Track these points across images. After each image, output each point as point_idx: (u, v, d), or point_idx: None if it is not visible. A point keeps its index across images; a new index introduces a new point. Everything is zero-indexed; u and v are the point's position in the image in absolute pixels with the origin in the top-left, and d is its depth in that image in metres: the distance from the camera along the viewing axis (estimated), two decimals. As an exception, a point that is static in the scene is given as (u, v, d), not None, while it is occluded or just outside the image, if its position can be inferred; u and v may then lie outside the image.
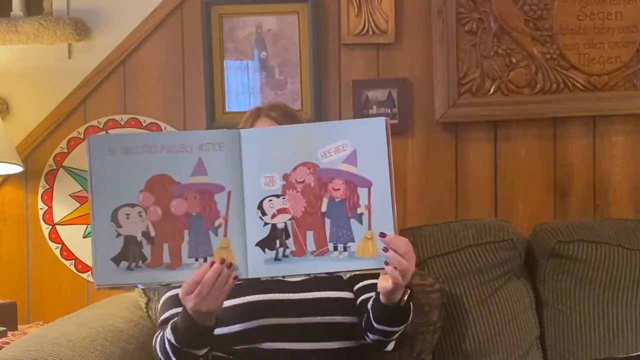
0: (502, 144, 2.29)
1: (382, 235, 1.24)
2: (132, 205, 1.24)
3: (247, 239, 1.25)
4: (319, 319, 1.48)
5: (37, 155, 2.29)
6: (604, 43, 2.25)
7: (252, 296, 1.47)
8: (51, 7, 2.30)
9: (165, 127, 2.28)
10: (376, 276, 1.51)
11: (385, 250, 1.24)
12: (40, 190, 2.28)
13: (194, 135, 1.28)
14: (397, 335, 1.47)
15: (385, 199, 1.24)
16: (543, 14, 2.24)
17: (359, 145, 1.25)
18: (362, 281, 1.55)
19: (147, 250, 1.24)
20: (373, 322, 1.42)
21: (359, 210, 1.25)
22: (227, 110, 2.27)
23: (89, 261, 2.27)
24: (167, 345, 1.38)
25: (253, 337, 1.46)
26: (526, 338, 1.95)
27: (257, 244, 1.25)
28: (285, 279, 1.50)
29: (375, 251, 1.24)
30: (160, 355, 1.41)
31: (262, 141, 1.26)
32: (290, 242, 1.25)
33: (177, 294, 1.48)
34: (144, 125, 2.28)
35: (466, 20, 2.24)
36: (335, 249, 1.25)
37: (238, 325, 1.45)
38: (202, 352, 1.38)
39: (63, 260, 2.27)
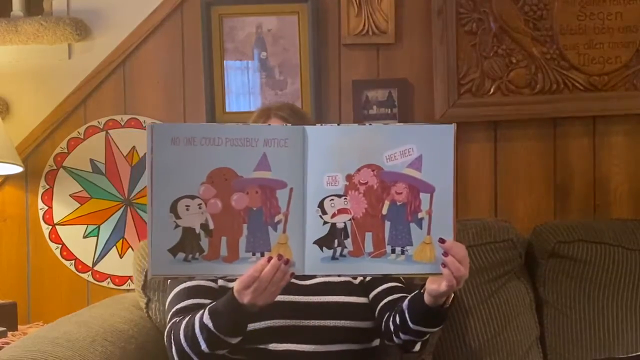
0: (502, 144, 2.29)
1: (442, 241, 1.25)
2: (192, 197, 1.23)
3: (305, 236, 1.25)
4: (328, 322, 1.49)
5: (37, 155, 2.29)
6: (603, 43, 2.25)
7: None
8: (51, 7, 2.30)
9: (165, 127, 2.28)
10: (393, 280, 1.54)
11: (445, 255, 1.24)
12: (41, 191, 2.28)
13: (259, 130, 1.27)
14: (428, 336, 1.45)
15: (447, 205, 1.25)
16: (543, 14, 2.24)
17: (425, 150, 1.25)
18: (379, 286, 1.55)
19: (204, 242, 1.24)
20: (409, 322, 1.40)
21: (420, 215, 1.25)
22: (227, 110, 2.27)
23: (89, 261, 2.27)
24: (198, 331, 1.35)
25: (262, 338, 1.46)
26: (526, 338, 1.95)
27: (315, 242, 1.25)
28: (299, 282, 1.51)
29: (432, 256, 1.25)
30: (183, 342, 1.38)
31: (327, 139, 1.25)
32: (348, 242, 1.25)
33: (193, 286, 1.50)
34: (144, 125, 2.28)
35: (466, 20, 2.24)
36: (393, 251, 1.25)
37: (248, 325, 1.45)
38: (236, 340, 1.37)
39: (63, 260, 2.27)
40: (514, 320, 1.95)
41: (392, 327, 1.46)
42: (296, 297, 1.50)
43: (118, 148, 2.28)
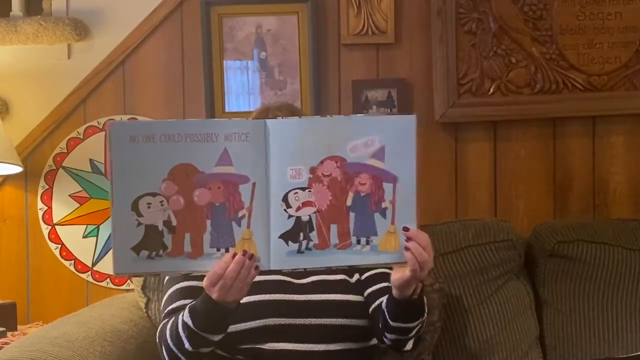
0: (501, 144, 2.29)
1: (405, 229, 1.26)
2: (154, 195, 1.22)
3: (270, 231, 1.25)
4: (324, 320, 1.48)
5: (37, 155, 2.29)
6: (603, 43, 2.25)
7: (258, 295, 1.47)
8: (51, 7, 2.30)
9: (165, 127, 2.28)
10: (388, 279, 1.53)
11: (408, 241, 1.25)
12: (40, 191, 2.28)
13: (220, 124, 1.26)
14: (413, 332, 1.45)
15: (410, 195, 1.26)
16: (542, 14, 2.24)
17: (387, 141, 1.26)
18: (373, 286, 1.55)
19: (168, 239, 1.23)
20: (389, 320, 1.42)
21: (384, 205, 1.25)
22: (227, 110, 2.27)
23: (88, 261, 2.27)
24: (181, 329, 1.36)
25: (257, 337, 1.46)
26: (526, 338, 1.95)
27: (281, 236, 1.25)
28: (295, 281, 1.52)
29: (397, 245, 1.26)
30: (169, 342, 1.39)
31: (289, 132, 1.25)
32: (313, 235, 1.25)
33: (187, 287, 1.49)
34: (143, 125, 2.28)
35: (466, 20, 2.24)
36: (358, 242, 1.26)
37: (243, 324, 1.45)
38: (217, 338, 1.37)
39: (63, 260, 2.27)
40: (514, 320, 1.95)
41: (380, 328, 1.47)
42: (292, 295, 1.50)
43: (118, 148, 2.28)
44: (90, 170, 2.28)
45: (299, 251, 1.25)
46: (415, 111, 2.28)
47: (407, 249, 1.25)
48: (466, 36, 2.24)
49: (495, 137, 2.29)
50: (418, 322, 1.43)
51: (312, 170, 1.24)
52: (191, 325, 1.34)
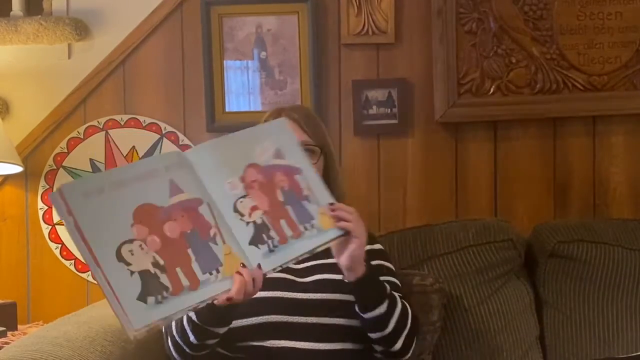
0: (502, 144, 2.29)
1: (331, 204, 1.38)
2: (131, 241, 1.20)
3: (239, 241, 1.27)
4: (325, 320, 1.49)
5: (37, 155, 2.29)
6: (603, 43, 2.25)
7: (260, 292, 1.47)
8: (51, 7, 2.30)
9: (165, 127, 2.28)
10: (386, 273, 1.60)
11: (334, 211, 1.37)
12: (40, 190, 2.28)
13: (154, 160, 1.35)
14: (391, 326, 1.47)
15: (315, 178, 1.40)
16: (543, 14, 2.24)
17: (277, 143, 1.38)
18: None
19: (164, 279, 1.21)
20: (360, 314, 1.46)
21: (305, 193, 1.36)
22: (227, 110, 2.27)
23: (88, 261, 2.27)
24: (186, 323, 1.39)
25: (258, 334, 1.46)
26: (526, 338, 1.95)
27: (250, 243, 1.28)
28: (297, 279, 1.53)
29: (332, 221, 1.37)
30: (175, 333, 1.42)
31: (208, 155, 1.30)
32: (273, 233, 1.30)
33: None
34: (143, 125, 2.28)
35: (466, 20, 2.24)
36: (306, 228, 1.34)
37: (244, 320, 1.46)
38: (222, 330, 1.39)
39: (63, 260, 2.27)
40: (514, 320, 1.95)
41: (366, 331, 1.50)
42: (294, 293, 1.51)
43: (118, 148, 2.28)
44: (91, 170, 2.28)
45: (270, 250, 1.29)
46: (414, 111, 2.28)
47: (338, 219, 1.36)
48: (466, 36, 2.24)
49: (495, 137, 2.29)
50: (382, 306, 1.44)
51: (242, 179, 1.31)
52: (195, 320, 1.37)
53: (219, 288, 1.24)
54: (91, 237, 1.17)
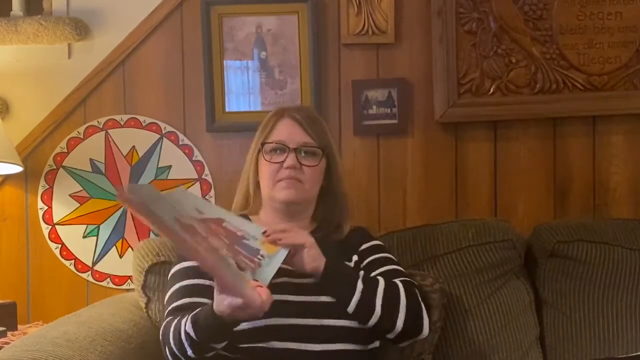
0: (501, 144, 2.29)
1: (264, 232, 1.46)
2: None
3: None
4: (326, 321, 1.49)
5: (37, 155, 2.29)
6: (603, 43, 2.25)
7: None
8: (51, 7, 2.30)
9: (165, 127, 2.28)
10: (386, 262, 1.66)
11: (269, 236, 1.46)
12: (40, 190, 2.28)
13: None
14: (379, 307, 1.49)
15: (237, 220, 1.48)
16: (543, 14, 2.24)
17: (193, 204, 1.42)
18: (371, 273, 1.60)
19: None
20: (344, 310, 1.50)
21: (239, 233, 1.45)
22: (227, 110, 2.27)
23: (88, 261, 2.27)
24: (184, 337, 1.39)
25: (259, 336, 1.46)
26: (526, 338, 1.95)
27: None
28: (296, 281, 1.54)
29: (273, 246, 1.46)
30: (172, 345, 1.42)
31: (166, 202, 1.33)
32: (244, 264, 1.42)
33: (189, 285, 1.53)
34: (143, 125, 2.28)
35: (466, 20, 2.24)
36: (259, 259, 1.45)
37: (245, 323, 1.45)
38: (220, 345, 1.40)
39: (63, 260, 2.27)
40: (514, 320, 1.95)
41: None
42: (295, 296, 1.51)
43: (118, 148, 2.28)
44: (91, 170, 2.28)
45: (253, 277, 1.41)
46: (414, 111, 2.28)
47: (276, 241, 1.45)
48: (466, 36, 2.24)
49: (495, 137, 2.29)
50: (362, 288, 1.49)
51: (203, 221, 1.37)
52: (193, 336, 1.37)
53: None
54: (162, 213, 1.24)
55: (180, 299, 1.52)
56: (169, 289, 1.57)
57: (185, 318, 1.40)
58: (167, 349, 1.45)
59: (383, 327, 1.51)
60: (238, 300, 1.27)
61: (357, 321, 1.50)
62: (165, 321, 1.49)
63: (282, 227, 1.48)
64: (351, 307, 1.48)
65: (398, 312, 1.50)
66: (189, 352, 1.39)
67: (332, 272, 1.49)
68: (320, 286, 1.50)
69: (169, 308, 1.53)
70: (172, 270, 1.61)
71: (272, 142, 1.63)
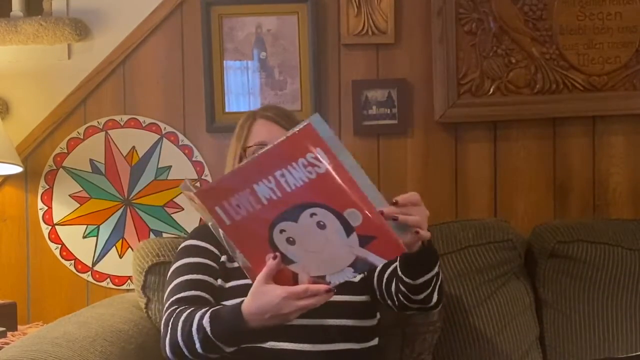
0: (501, 144, 2.29)
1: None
2: None
3: None
4: (325, 321, 1.48)
5: (37, 155, 2.29)
6: (603, 43, 2.25)
7: None
8: (51, 7, 2.30)
9: (164, 127, 2.28)
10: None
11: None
12: (40, 191, 2.28)
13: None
14: (435, 280, 1.43)
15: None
16: (542, 14, 2.24)
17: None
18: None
19: None
20: (409, 281, 1.39)
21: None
22: (227, 110, 2.27)
23: (88, 261, 2.27)
24: (195, 330, 1.35)
25: (258, 336, 1.45)
26: (526, 338, 1.95)
27: None
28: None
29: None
30: (179, 337, 1.38)
31: None
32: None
33: (193, 263, 1.53)
34: (143, 125, 2.28)
35: (466, 20, 2.24)
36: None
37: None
38: (230, 349, 1.37)
39: (63, 260, 2.27)
40: (514, 320, 1.95)
41: (400, 297, 1.46)
42: None
43: (118, 148, 2.28)
44: (91, 170, 2.28)
45: None
46: (414, 111, 2.28)
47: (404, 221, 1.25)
48: (466, 36, 2.24)
49: (495, 137, 2.29)
50: (437, 269, 1.41)
51: None
52: (208, 332, 1.33)
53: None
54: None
55: (185, 274, 1.52)
56: (172, 265, 1.59)
57: (202, 312, 1.37)
58: (168, 338, 1.40)
59: (422, 302, 1.46)
60: (299, 287, 1.23)
61: (408, 291, 1.43)
62: (171, 309, 1.45)
63: (416, 197, 1.27)
64: (420, 280, 1.39)
65: (436, 289, 1.46)
66: (197, 345, 1.35)
67: (430, 245, 1.37)
68: (347, 286, 1.41)
69: (173, 298, 1.50)
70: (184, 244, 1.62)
71: (253, 145, 1.63)
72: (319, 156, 1.14)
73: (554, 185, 2.29)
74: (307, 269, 1.25)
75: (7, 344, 1.76)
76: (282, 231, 1.22)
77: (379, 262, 1.23)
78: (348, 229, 1.19)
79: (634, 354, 1.85)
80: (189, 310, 1.40)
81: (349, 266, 1.24)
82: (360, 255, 1.22)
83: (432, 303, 1.48)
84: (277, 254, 1.24)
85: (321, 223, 1.19)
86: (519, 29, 2.24)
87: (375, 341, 1.58)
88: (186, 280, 1.53)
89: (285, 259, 1.24)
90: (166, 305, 1.51)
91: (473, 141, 2.29)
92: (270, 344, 1.46)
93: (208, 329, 1.33)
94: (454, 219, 2.19)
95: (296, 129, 1.16)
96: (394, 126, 2.27)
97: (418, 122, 2.29)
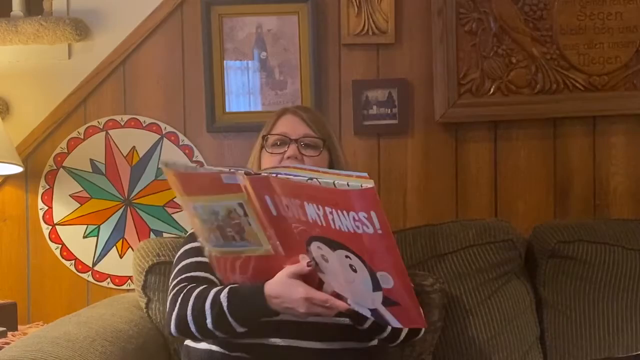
0: (502, 144, 2.29)
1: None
2: None
3: None
4: (325, 319, 1.48)
5: (37, 155, 2.29)
6: (603, 43, 2.25)
7: None
8: (51, 7, 2.30)
9: (165, 127, 2.28)
10: None
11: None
12: (41, 191, 2.28)
13: None
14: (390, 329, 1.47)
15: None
16: (543, 14, 2.24)
17: None
18: None
19: None
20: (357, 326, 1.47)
21: None
22: (227, 110, 2.27)
23: (89, 261, 2.27)
24: (209, 305, 1.37)
25: (261, 332, 1.46)
26: (526, 338, 1.95)
27: None
28: None
29: None
30: (189, 312, 1.39)
31: None
32: None
33: (198, 246, 1.51)
34: (144, 125, 2.28)
35: (466, 20, 2.24)
36: None
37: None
38: (241, 330, 1.38)
39: (63, 260, 2.27)
40: (514, 320, 1.95)
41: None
42: None
43: (118, 148, 2.28)
44: (91, 170, 2.28)
45: None
46: (415, 111, 2.28)
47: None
48: (466, 36, 2.24)
49: (496, 137, 2.29)
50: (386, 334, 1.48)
51: None
52: (225, 307, 1.35)
53: None
54: None
55: (193, 257, 1.54)
56: (181, 248, 1.60)
57: (218, 288, 1.39)
58: (175, 313, 1.42)
59: (385, 341, 1.51)
60: (321, 295, 1.29)
61: (362, 334, 1.49)
62: (181, 285, 1.46)
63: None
64: (365, 327, 1.46)
65: (401, 332, 1.51)
66: (208, 320, 1.37)
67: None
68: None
69: (183, 276, 1.51)
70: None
71: (274, 135, 1.66)
72: (373, 219, 1.11)
73: (554, 185, 2.29)
74: (332, 285, 1.29)
75: (7, 344, 1.76)
76: (319, 247, 1.24)
77: (395, 325, 1.27)
78: (376, 286, 1.20)
79: (634, 354, 1.85)
80: (201, 287, 1.42)
81: (368, 309, 1.27)
82: (380, 310, 1.25)
83: (398, 341, 1.52)
84: (313, 263, 1.28)
85: (353, 267, 1.20)
86: (520, 28, 2.24)
87: (375, 341, 1.58)
88: (196, 262, 1.54)
89: (316, 266, 1.29)
90: (174, 282, 1.52)
91: (473, 141, 2.29)
92: (272, 341, 1.46)
93: (225, 304, 1.35)
94: (454, 218, 2.19)
95: (356, 183, 1.12)
96: (394, 126, 2.27)
97: (418, 122, 2.29)
